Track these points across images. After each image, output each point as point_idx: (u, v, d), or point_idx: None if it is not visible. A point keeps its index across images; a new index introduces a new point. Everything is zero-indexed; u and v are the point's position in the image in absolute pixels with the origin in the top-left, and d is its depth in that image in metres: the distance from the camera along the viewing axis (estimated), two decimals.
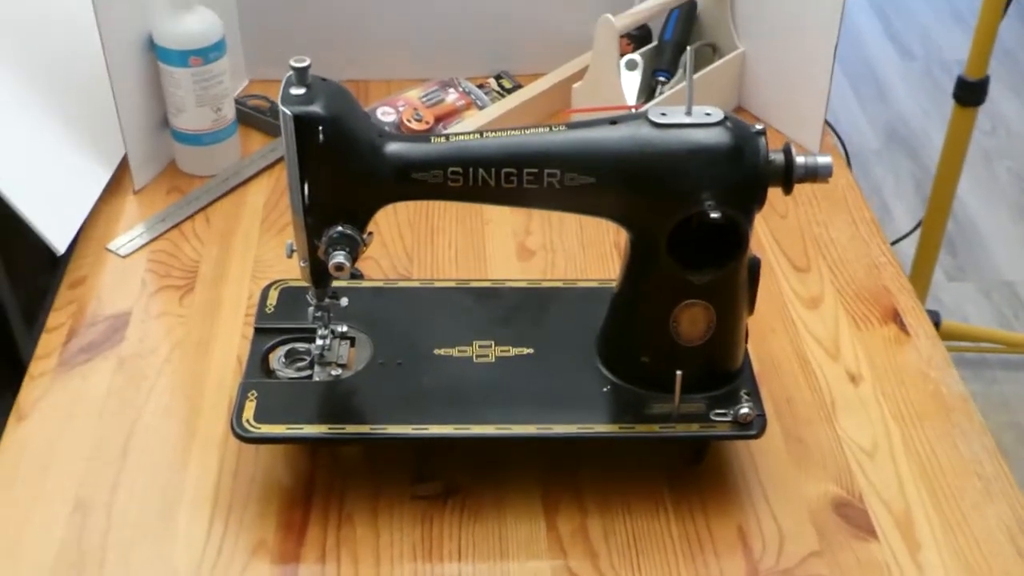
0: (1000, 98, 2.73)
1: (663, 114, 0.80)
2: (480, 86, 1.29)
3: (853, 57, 2.92)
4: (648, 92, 1.23)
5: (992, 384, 2.00)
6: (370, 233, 0.83)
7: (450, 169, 0.80)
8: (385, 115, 1.22)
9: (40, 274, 1.15)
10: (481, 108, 1.25)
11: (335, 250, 0.81)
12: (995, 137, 2.64)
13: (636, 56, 1.23)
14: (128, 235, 1.10)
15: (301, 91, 0.78)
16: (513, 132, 0.82)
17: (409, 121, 1.22)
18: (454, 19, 1.30)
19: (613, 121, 0.81)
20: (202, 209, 1.14)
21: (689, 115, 0.80)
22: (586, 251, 1.10)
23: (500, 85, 1.30)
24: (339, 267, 0.80)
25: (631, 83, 1.22)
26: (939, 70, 2.88)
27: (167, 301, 1.03)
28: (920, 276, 1.82)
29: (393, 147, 0.81)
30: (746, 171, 0.79)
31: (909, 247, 1.87)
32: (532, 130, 0.82)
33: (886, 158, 2.58)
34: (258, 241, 1.10)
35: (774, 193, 0.81)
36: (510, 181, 0.80)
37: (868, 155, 2.57)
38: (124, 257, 1.08)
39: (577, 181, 0.80)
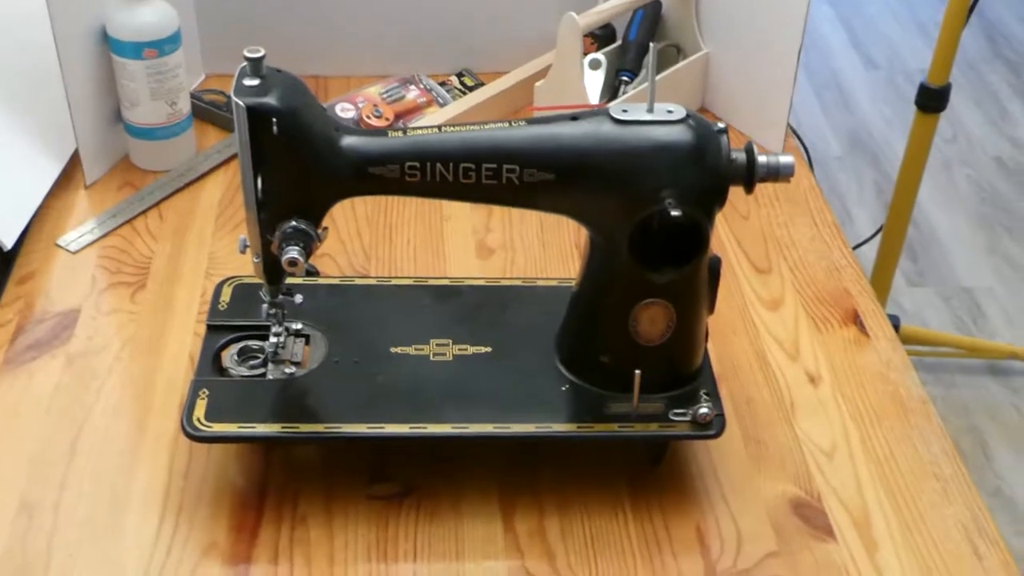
0: (961, 107, 2.75)
1: (624, 111, 0.79)
2: (442, 83, 1.28)
3: (818, 66, 2.94)
4: (611, 92, 1.22)
5: (951, 388, 2.02)
6: (325, 228, 0.82)
7: (407, 163, 0.79)
8: (344, 111, 1.21)
9: None
10: (442, 105, 1.24)
11: (288, 245, 0.79)
12: (956, 145, 2.66)
13: (600, 55, 1.23)
14: (79, 231, 1.08)
15: (255, 82, 0.77)
16: (472, 127, 0.81)
17: (368, 117, 1.21)
18: (416, 16, 1.29)
19: (574, 117, 0.80)
20: (155, 205, 1.11)
21: (651, 112, 0.79)
22: (546, 249, 1.09)
23: (462, 83, 1.29)
24: (292, 263, 0.79)
25: (594, 82, 1.22)
26: (902, 80, 2.90)
27: (118, 298, 1.01)
28: (880, 281, 1.83)
29: (349, 141, 0.80)
30: (708, 169, 0.79)
31: (870, 252, 1.88)
32: (491, 125, 0.81)
33: (849, 165, 2.59)
34: (212, 237, 1.08)
35: (736, 193, 0.81)
36: (468, 176, 0.79)
37: (831, 162, 2.59)
38: (74, 253, 1.05)
39: (536, 177, 0.79)
